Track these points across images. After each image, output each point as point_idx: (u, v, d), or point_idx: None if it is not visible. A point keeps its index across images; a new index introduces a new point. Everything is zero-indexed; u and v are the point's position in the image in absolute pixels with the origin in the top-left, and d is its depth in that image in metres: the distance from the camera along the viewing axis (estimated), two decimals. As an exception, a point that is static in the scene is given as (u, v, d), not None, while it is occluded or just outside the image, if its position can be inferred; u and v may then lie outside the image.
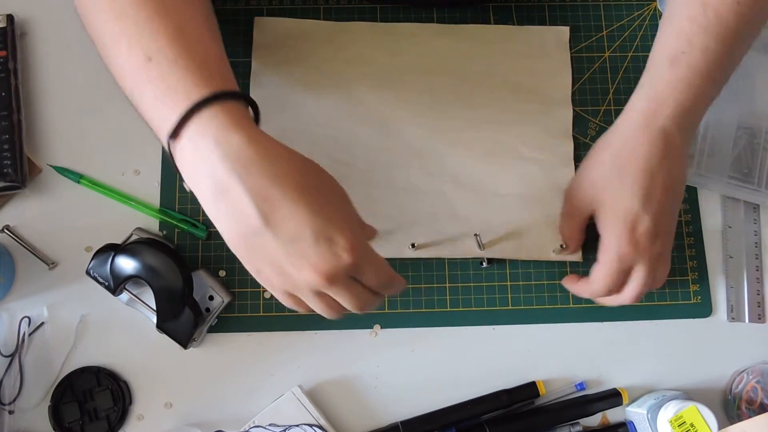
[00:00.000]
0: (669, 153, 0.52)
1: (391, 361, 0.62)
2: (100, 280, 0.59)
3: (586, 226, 0.59)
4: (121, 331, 0.62)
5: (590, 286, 0.57)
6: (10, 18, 0.66)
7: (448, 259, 0.64)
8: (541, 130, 0.67)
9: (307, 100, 0.67)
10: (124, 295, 0.60)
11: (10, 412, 0.60)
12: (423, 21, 0.70)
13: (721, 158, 0.66)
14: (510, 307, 0.64)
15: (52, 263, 0.63)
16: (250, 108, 0.49)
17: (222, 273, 0.63)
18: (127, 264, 0.58)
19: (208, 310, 0.61)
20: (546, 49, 0.69)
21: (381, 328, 0.63)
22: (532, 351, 0.63)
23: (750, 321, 0.64)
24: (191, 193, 0.47)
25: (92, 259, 0.59)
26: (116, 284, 0.58)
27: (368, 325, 0.63)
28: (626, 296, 0.56)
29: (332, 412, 0.61)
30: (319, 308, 0.49)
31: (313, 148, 0.65)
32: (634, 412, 0.61)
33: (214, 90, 0.45)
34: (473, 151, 0.66)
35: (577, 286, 0.59)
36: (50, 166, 0.65)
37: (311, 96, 0.67)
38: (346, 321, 0.62)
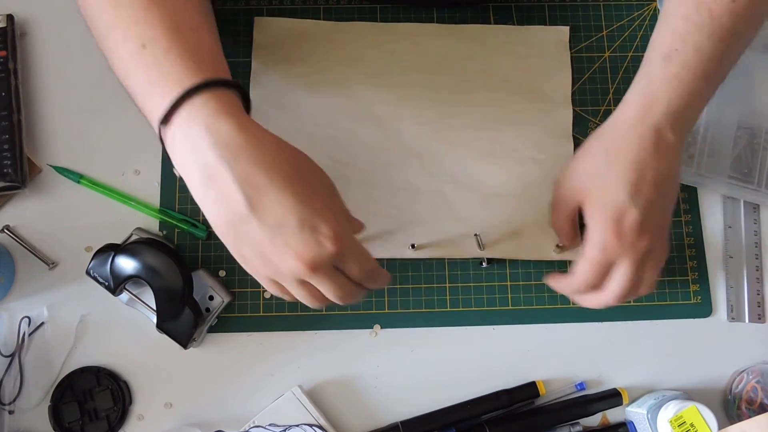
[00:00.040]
0: (660, 149, 0.51)
1: (391, 361, 0.62)
2: (100, 280, 0.59)
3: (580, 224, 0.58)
4: (121, 331, 0.62)
5: (571, 280, 0.54)
6: (10, 18, 0.66)
7: (448, 259, 0.64)
8: (541, 130, 0.67)
9: (307, 100, 0.67)
10: (124, 295, 0.60)
11: (10, 412, 0.60)
12: (423, 21, 0.70)
13: (721, 158, 0.66)
14: (510, 307, 0.64)
15: (52, 263, 0.63)
16: (241, 97, 0.49)
17: (222, 273, 0.63)
18: (127, 264, 0.58)
19: (208, 310, 0.61)
20: (546, 49, 0.69)
21: (381, 328, 0.63)
22: (532, 351, 0.63)
23: (750, 321, 0.64)
24: (184, 183, 0.48)
25: (92, 259, 0.59)
26: (116, 284, 0.58)
27: (368, 325, 0.63)
28: (608, 294, 0.53)
29: (332, 412, 0.61)
30: (301, 297, 0.49)
31: (313, 148, 0.65)
32: (634, 412, 0.61)
33: (206, 78, 0.46)
34: (473, 151, 0.66)
35: (558, 282, 0.57)
36: (50, 166, 0.65)
37: (311, 96, 0.67)
38: (346, 321, 0.63)
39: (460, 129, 0.66)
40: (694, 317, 0.64)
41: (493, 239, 0.63)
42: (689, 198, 0.67)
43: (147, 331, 0.60)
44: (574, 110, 0.68)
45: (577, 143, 0.67)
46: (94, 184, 0.64)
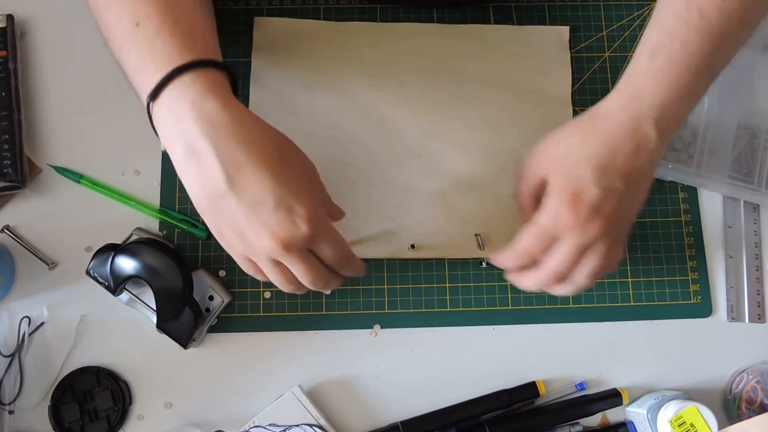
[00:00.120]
0: (638, 141, 0.51)
1: (391, 361, 0.62)
2: (100, 280, 0.59)
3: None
4: (121, 331, 0.62)
5: (513, 247, 0.53)
6: (10, 18, 0.66)
7: (448, 259, 0.64)
8: (541, 130, 0.66)
9: (307, 100, 0.67)
10: (124, 295, 0.60)
11: (10, 412, 0.60)
12: (423, 21, 0.70)
13: (721, 158, 0.66)
14: (510, 307, 0.64)
15: (52, 263, 0.63)
16: (229, 79, 0.51)
17: (222, 273, 0.63)
18: (127, 264, 0.58)
19: (208, 310, 0.61)
20: (546, 49, 0.69)
21: (381, 328, 0.63)
22: (532, 351, 0.63)
23: (750, 321, 0.64)
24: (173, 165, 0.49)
25: (92, 259, 0.59)
26: (116, 284, 0.58)
27: (368, 325, 0.63)
28: (542, 272, 0.52)
29: (332, 412, 0.61)
30: (274, 278, 0.50)
31: (313, 148, 0.65)
32: (634, 412, 0.61)
33: (196, 57, 0.48)
34: (473, 150, 0.66)
35: (499, 256, 0.55)
36: (50, 166, 0.65)
37: (311, 96, 0.67)
38: (346, 321, 0.63)
39: (460, 129, 0.66)
40: (694, 317, 0.64)
41: (493, 239, 0.63)
42: (689, 198, 0.67)
43: (147, 331, 0.60)
44: (574, 110, 0.68)
45: (577, 143, 0.67)
46: (94, 184, 0.64)
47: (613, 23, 0.71)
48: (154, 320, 0.58)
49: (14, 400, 0.60)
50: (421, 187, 0.65)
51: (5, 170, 0.62)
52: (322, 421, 0.59)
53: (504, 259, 0.54)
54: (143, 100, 0.49)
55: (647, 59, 0.51)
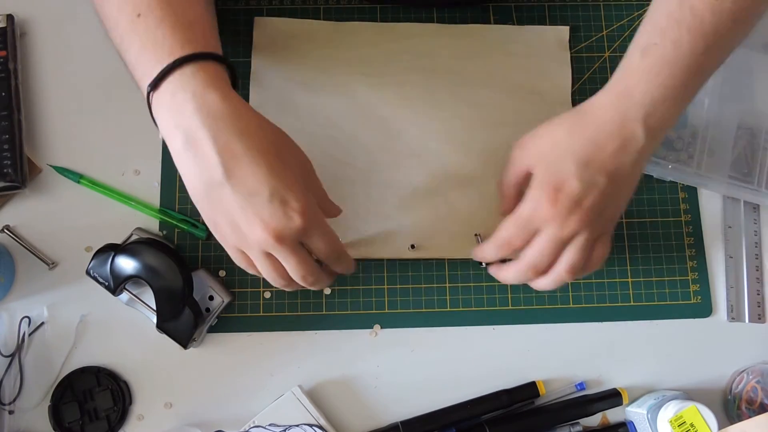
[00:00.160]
0: (624, 138, 0.51)
1: (391, 361, 0.62)
2: (100, 280, 0.59)
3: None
4: (121, 331, 0.62)
5: (492, 238, 0.54)
6: (10, 18, 0.66)
7: (448, 259, 0.64)
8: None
9: (307, 100, 0.67)
10: (124, 295, 0.60)
11: (10, 412, 0.60)
12: (423, 21, 0.70)
13: (721, 158, 0.66)
14: (510, 307, 0.64)
15: (52, 263, 0.63)
16: (228, 72, 0.52)
17: (222, 273, 0.63)
18: (127, 264, 0.58)
19: (208, 310, 0.61)
20: (546, 49, 0.69)
21: (381, 328, 0.63)
22: (532, 351, 0.63)
23: (750, 321, 0.64)
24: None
25: (92, 259, 0.59)
26: (116, 284, 0.58)
27: (368, 325, 0.63)
28: (521, 264, 0.52)
29: (332, 412, 0.61)
30: (265, 271, 0.51)
31: (313, 148, 0.65)
32: (634, 412, 0.61)
33: (197, 50, 0.49)
34: (473, 150, 0.66)
35: (480, 247, 0.56)
36: (50, 166, 0.65)
37: (311, 96, 0.67)
38: (346, 321, 0.63)
39: (460, 129, 0.66)
40: (694, 317, 0.64)
41: (493, 239, 0.63)
42: (689, 198, 0.67)
43: (147, 331, 0.60)
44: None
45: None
46: (94, 184, 0.64)
47: (613, 23, 0.71)
48: (154, 320, 0.58)
49: (14, 400, 0.60)
50: (421, 187, 0.65)
51: (5, 170, 0.62)
52: (322, 421, 0.59)
53: (485, 249, 0.55)
54: (143, 89, 0.50)
55: (638, 57, 0.52)
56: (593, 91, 0.68)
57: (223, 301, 0.61)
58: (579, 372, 0.63)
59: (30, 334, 0.61)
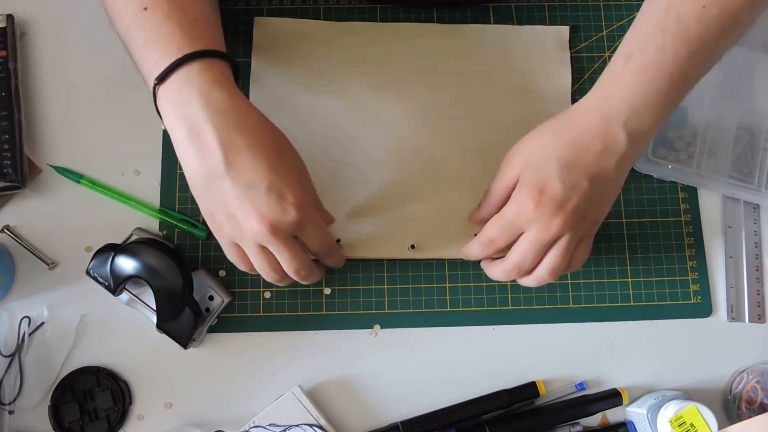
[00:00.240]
0: (606, 142, 0.51)
1: (391, 361, 0.62)
2: (100, 280, 0.59)
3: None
4: (121, 331, 0.62)
5: (478, 237, 0.55)
6: (10, 18, 0.66)
7: (448, 259, 0.64)
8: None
9: (307, 100, 0.67)
10: (124, 295, 0.60)
11: (10, 412, 0.60)
12: (423, 21, 0.70)
13: (721, 158, 0.66)
14: (510, 307, 0.64)
15: (52, 263, 0.63)
16: (232, 69, 0.53)
17: (222, 273, 0.63)
18: (127, 264, 0.58)
19: (208, 310, 0.61)
20: (546, 49, 0.69)
21: (381, 328, 0.63)
22: (532, 351, 0.63)
23: (750, 321, 0.64)
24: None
25: (92, 259, 0.59)
26: (116, 284, 0.58)
27: (368, 325, 0.63)
28: (506, 263, 0.53)
29: (332, 412, 0.61)
30: (259, 264, 0.52)
31: (313, 148, 0.66)
32: (634, 412, 0.61)
33: (203, 47, 0.51)
34: (473, 150, 0.66)
35: (467, 245, 0.57)
36: (50, 166, 0.65)
37: (311, 96, 0.67)
38: (346, 321, 0.63)
39: (459, 129, 0.66)
40: (694, 317, 0.64)
41: (493, 239, 0.63)
42: (689, 198, 0.67)
43: (147, 331, 0.60)
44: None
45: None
46: (94, 184, 0.64)
47: (613, 23, 0.71)
48: (154, 320, 0.58)
49: (14, 400, 0.60)
50: (421, 186, 0.65)
51: (5, 170, 0.62)
52: (322, 421, 0.59)
53: (471, 247, 0.57)
54: (149, 81, 0.51)
55: (622, 63, 0.52)
56: (593, 91, 0.69)
57: (223, 301, 0.61)
58: (579, 372, 0.63)
59: (30, 334, 0.61)
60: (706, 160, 0.66)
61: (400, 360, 0.62)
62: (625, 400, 0.61)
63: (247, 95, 0.66)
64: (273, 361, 0.62)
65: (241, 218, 0.50)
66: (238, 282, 0.63)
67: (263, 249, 0.52)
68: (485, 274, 0.63)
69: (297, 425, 0.59)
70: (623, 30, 0.70)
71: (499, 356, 0.63)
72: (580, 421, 0.61)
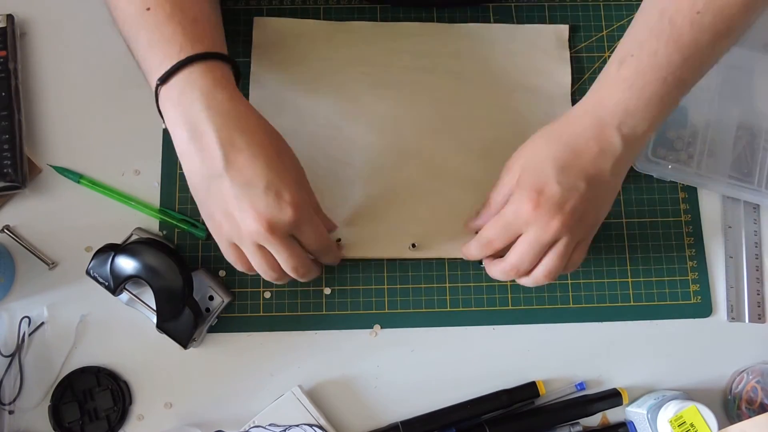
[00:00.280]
0: (601, 144, 0.51)
1: (391, 361, 0.62)
2: (100, 280, 0.59)
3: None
4: (121, 331, 0.62)
5: (477, 238, 0.55)
6: (10, 18, 0.66)
7: (448, 259, 0.64)
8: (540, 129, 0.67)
9: (307, 100, 0.67)
10: (124, 295, 0.60)
11: (10, 412, 0.60)
12: (423, 21, 0.70)
13: (721, 158, 0.66)
14: (510, 307, 0.64)
15: (52, 263, 0.63)
16: (233, 70, 0.54)
17: (222, 273, 0.63)
18: (127, 264, 0.58)
19: (208, 310, 0.61)
20: (545, 47, 0.69)
21: (381, 328, 0.63)
22: (532, 351, 0.63)
23: (750, 321, 0.64)
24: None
25: (92, 259, 0.59)
26: (116, 284, 0.58)
27: (368, 325, 0.63)
28: (504, 263, 0.54)
29: (332, 412, 0.61)
30: (257, 263, 0.53)
31: (313, 148, 0.66)
32: (634, 412, 0.61)
33: (206, 50, 0.51)
34: (473, 150, 0.66)
35: (466, 245, 0.57)
36: (50, 166, 0.65)
37: (311, 96, 0.67)
38: (346, 321, 0.63)
39: (459, 128, 0.66)
40: (694, 317, 0.64)
41: (493, 239, 0.63)
42: (689, 198, 0.67)
43: (147, 331, 0.60)
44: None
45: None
46: (94, 184, 0.64)
47: (613, 23, 0.71)
48: (154, 320, 0.58)
49: (14, 400, 0.60)
50: (421, 186, 0.65)
51: (5, 170, 0.62)
52: (322, 421, 0.59)
53: (470, 247, 0.57)
54: (151, 82, 0.52)
55: (615, 68, 0.53)
56: (593, 91, 0.69)
57: (223, 301, 0.61)
58: (579, 372, 0.63)
59: (30, 334, 0.61)
60: (706, 160, 0.66)
61: (400, 360, 0.62)
62: (625, 400, 0.61)
63: (246, 95, 0.66)
64: (273, 361, 0.62)
65: (239, 217, 0.50)
66: (238, 282, 0.63)
67: (261, 248, 0.52)
68: (485, 274, 0.64)
69: (297, 425, 0.59)
70: (623, 30, 0.70)
71: (499, 356, 0.63)
72: (580, 421, 0.61)
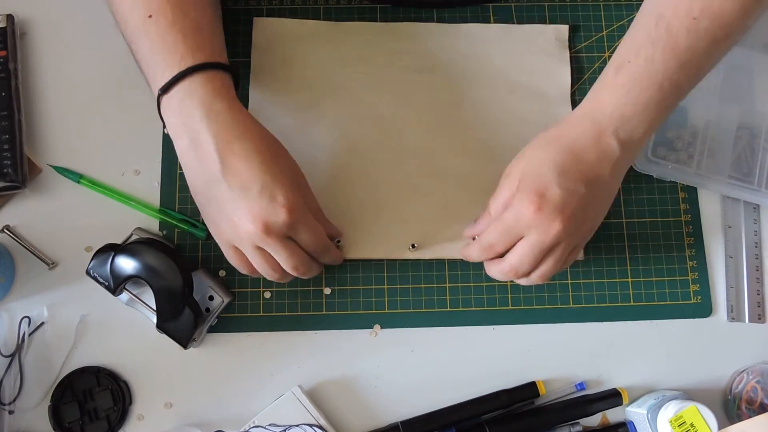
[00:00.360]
0: (599, 148, 0.52)
1: (391, 361, 0.62)
2: (100, 280, 0.59)
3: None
4: (121, 331, 0.62)
5: (478, 241, 0.56)
6: (10, 18, 0.66)
7: (448, 259, 0.64)
8: (540, 129, 0.67)
9: (307, 100, 0.67)
10: (124, 295, 0.60)
11: (10, 412, 0.60)
12: (423, 21, 0.70)
13: (721, 158, 0.66)
14: (510, 307, 0.64)
15: (52, 263, 0.63)
16: (233, 79, 0.55)
17: (222, 273, 0.63)
18: (127, 264, 0.58)
19: (208, 310, 0.61)
20: (545, 47, 0.69)
21: (381, 328, 0.63)
22: (532, 351, 0.63)
23: (750, 321, 0.64)
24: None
25: (92, 259, 0.59)
26: (116, 284, 0.58)
27: (368, 325, 0.63)
28: (504, 264, 0.54)
29: (332, 412, 0.61)
30: (258, 264, 0.54)
31: (312, 148, 0.66)
32: (634, 412, 0.61)
33: (207, 59, 0.53)
34: (473, 150, 0.66)
35: (467, 248, 0.58)
36: (50, 166, 0.65)
37: (311, 96, 0.67)
38: (346, 321, 0.63)
39: (459, 128, 0.66)
40: (694, 317, 0.64)
41: (493, 239, 0.63)
42: (689, 198, 0.67)
43: (147, 331, 0.60)
44: (573, 109, 0.68)
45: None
46: (94, 184, 0.64)
47: (613, 23, 0.71)
48: (154, 320, 0.58)
49: (14, 400, 0.60)
50: (421, 186, 0.65)
51: (5, 170, 0.62)
52: (322, 421, 0.59)
53: (470, 250, 0.57)
54: (153, 89, 0.53)
55: (612, 74, 0.53)
56: (593, 91, 0.69)
57: (223, 301, 0.61)
58: (579, 372, 0.63)
59: (30, 334, 0.61)
60: (706, 160, 0.66)
61: (400, 360, 0.62)
62: (625, 400, 0.61)
63: (246, 95, 0.66)
64: (273, 361, 0.62)
65: (236, 220, 0.52)
66: (238, 282, 0.63)
67: (260, 249, 0.53)
68: (485, 275, 0.64)
69: (297, 425, 0.59)
70: (623, 30, 0.70)
71: (499, 356, 0.63)
72: (580, 421, 0.61)
